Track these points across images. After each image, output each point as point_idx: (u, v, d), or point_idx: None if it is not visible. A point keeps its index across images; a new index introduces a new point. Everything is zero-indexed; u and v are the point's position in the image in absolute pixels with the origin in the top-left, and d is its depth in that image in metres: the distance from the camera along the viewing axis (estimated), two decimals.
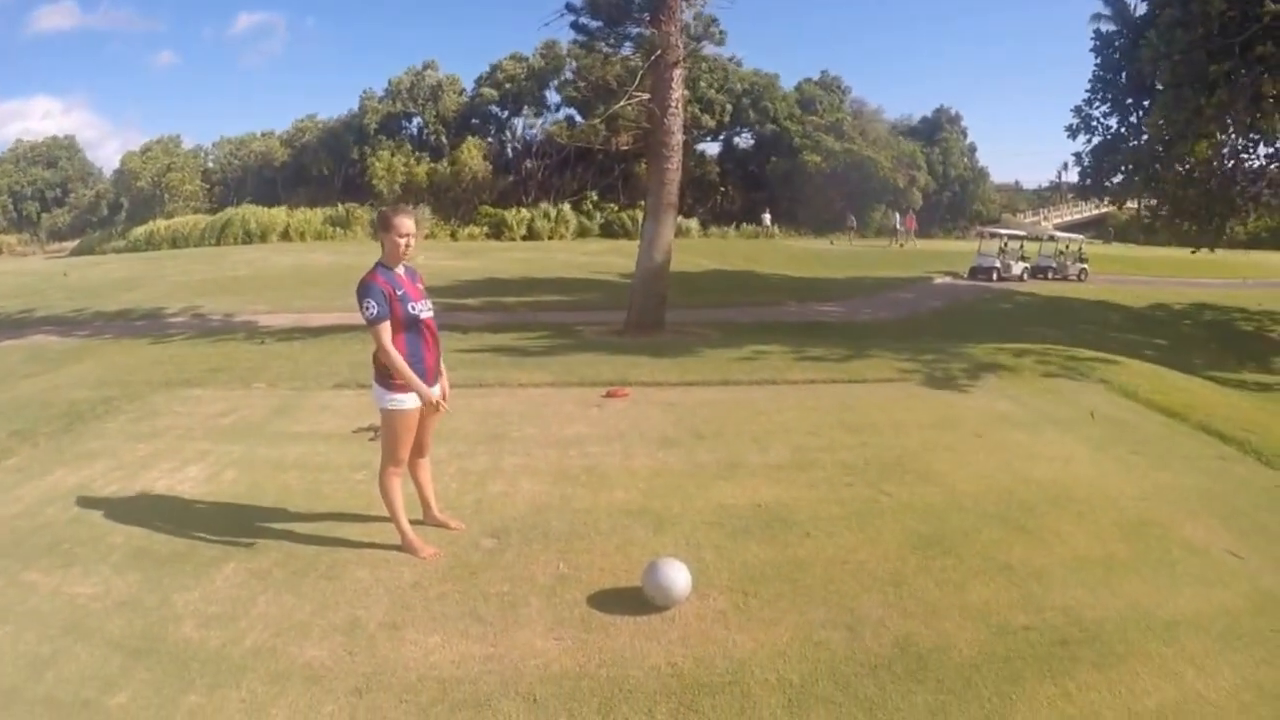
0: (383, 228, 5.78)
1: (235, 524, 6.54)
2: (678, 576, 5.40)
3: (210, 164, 72.29)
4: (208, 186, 69.29)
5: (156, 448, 8.52)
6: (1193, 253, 25.88)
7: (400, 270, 5.82)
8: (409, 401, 5.76)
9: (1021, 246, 40.43)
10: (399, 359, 5.61)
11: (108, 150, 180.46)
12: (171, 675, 4.59)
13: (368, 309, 5.55)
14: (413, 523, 6.27)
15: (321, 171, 66.18)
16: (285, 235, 51.66)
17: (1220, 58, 19.54)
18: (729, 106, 63.61)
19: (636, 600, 5.48)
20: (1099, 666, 4.89)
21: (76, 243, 64.69)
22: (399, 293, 5.67)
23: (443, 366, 6.20)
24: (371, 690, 4.56)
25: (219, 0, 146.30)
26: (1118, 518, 7.01)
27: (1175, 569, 6.14)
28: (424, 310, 5.82)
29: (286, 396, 10.87)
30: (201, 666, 4.69)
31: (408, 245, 5.74)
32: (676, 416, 9.85)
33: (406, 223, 5.78)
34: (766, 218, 59.04)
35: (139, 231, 55.01)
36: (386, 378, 5.72)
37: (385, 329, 5.60)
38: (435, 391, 5.93)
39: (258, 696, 4.45)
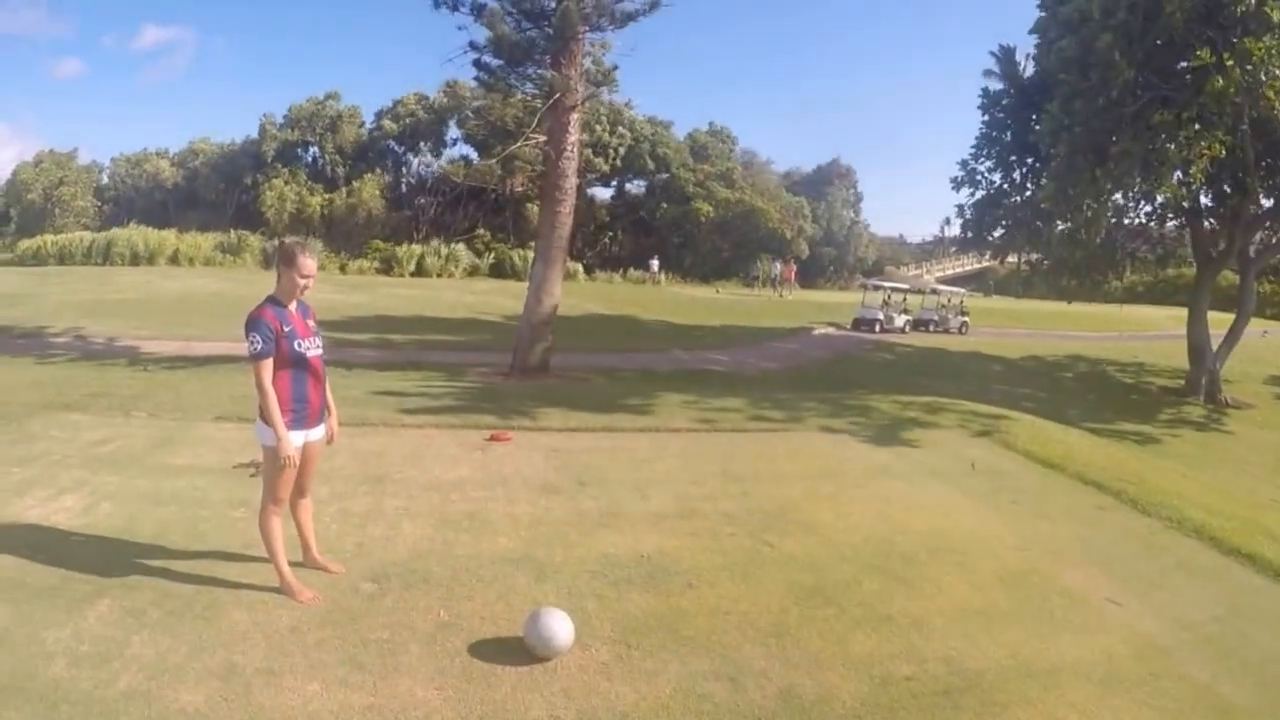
0: (285, 262, 5.57)
1: (110, 559, 6.17)
2: (560, 627, 5.24)
3: (105, 179, 70.00)
4: (100, 204, 66.80)
5: (31, 474, 8.08)
6: (1068, 303, 26.81)
7: (292, 307, 5.62)
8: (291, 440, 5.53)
9: (904, 299, 41.45)
10: (272, 401, 5.39)
11: (3, 156, 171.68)
12: (41, 716, 4.30)
13: (252, 343, 5.35)
14: (292, 564, 5.99)
15: (214, 196, 64.64)
16: (174, 259, 50.08)
17: (1119, 129, 20.37)
18: (622, 151, 64.09)
19: (518, 650, 5.30)
20: (981, 715, 4.89)
21: None
22: (286, 329, 5.48)
23: (332, 403, 6.03)
24: None
25: (129, 10, 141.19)
26: (998, 567, 7.09)
27: (1055, 617, 6.23)
28: (311, 349, 5.64)
29: (168, 427, 10.36)
30: (72, 709, 4.37)
31: (306, 287, 5.59)
32: (560, 462, 9.70)
33: (310, 264, 5.60)
34: (654, 264, 59.31)
35: (26, 245, 52.73)
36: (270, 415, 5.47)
37: (266, 366, 5.39)
38: (319, 432, 5.82)
39: None
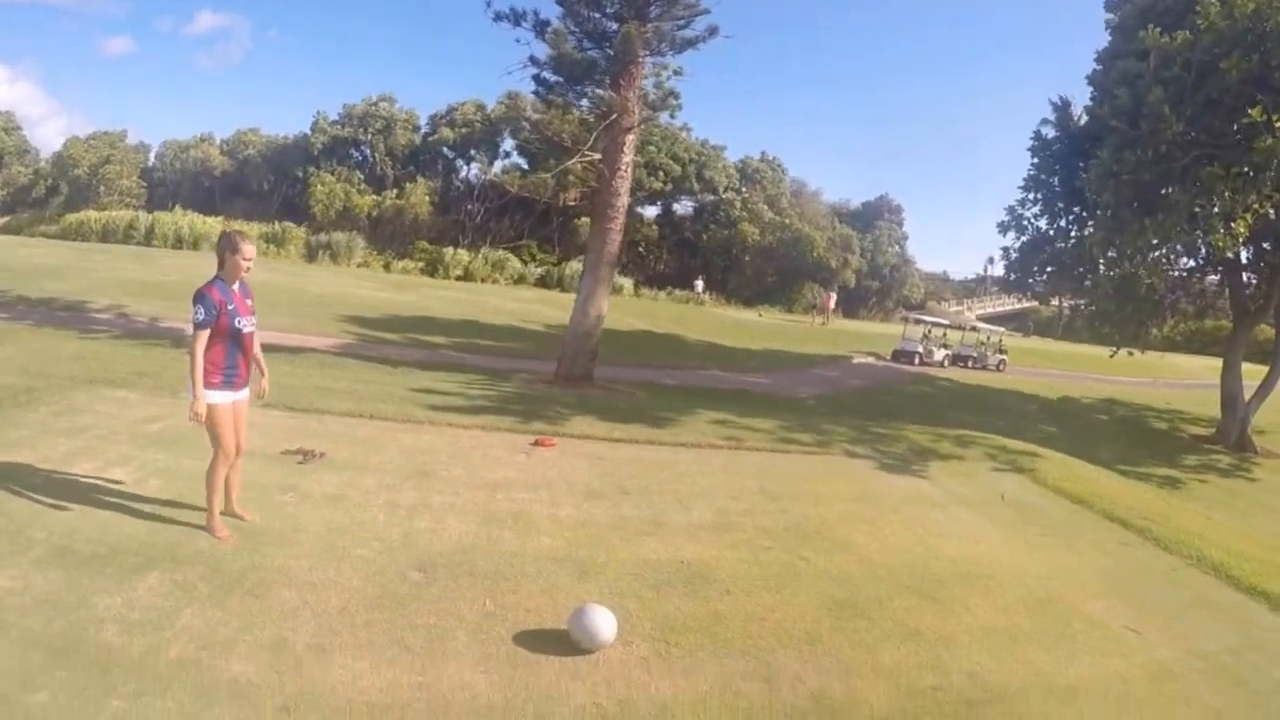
0: (229, 249, 6.44)
1: (159, 533, 6.49)
2: (604, 622, 5.54)
3: (152, 161, 71.01)
4: (145, 185, 67.99)
5: (79, 445, 8.37)
6: (1111, 355, 26.76)
7: (235, 286, 6.49)
8: (217, 396, 6.40)
9: (945, 334, 41.43)
10: (199, 367, 6.24)
11: (47, 130, 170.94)
12: (93, 678, 4.52)
13: (196, 314, 6.20)
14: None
15: (262, 186, 65.65)
16: None
17: (1166, 181, 20.50)
18: (674, 172, 64.36)
19: (562, 642, 5.59)
20: None
21: (5, 220, 62.98)
22: (229, 306, 6.36)
23: (264, 366, 7.10)
24: (300, 710, 4.57)
25: None
26: (1023, 593, 7.34)
27: (1076, 641, 6.48)
28: (247, 325, 6.53)
29: None
30: (124, 673, 4.63)
31: (248, 268, 6.50)
32: (602, 470, 9.97)
33: (250, 249, 6.53)
34: (699, 285, 59.48)
35: (72, 219, 53.51)
36: (205, 377, 6.30)
37: (202, 337, 6.23)
38: (245, 394, 6.74)
39: (184, 707, 4.43)
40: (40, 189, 71.00)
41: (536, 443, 10.95)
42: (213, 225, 52.14)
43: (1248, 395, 24.42)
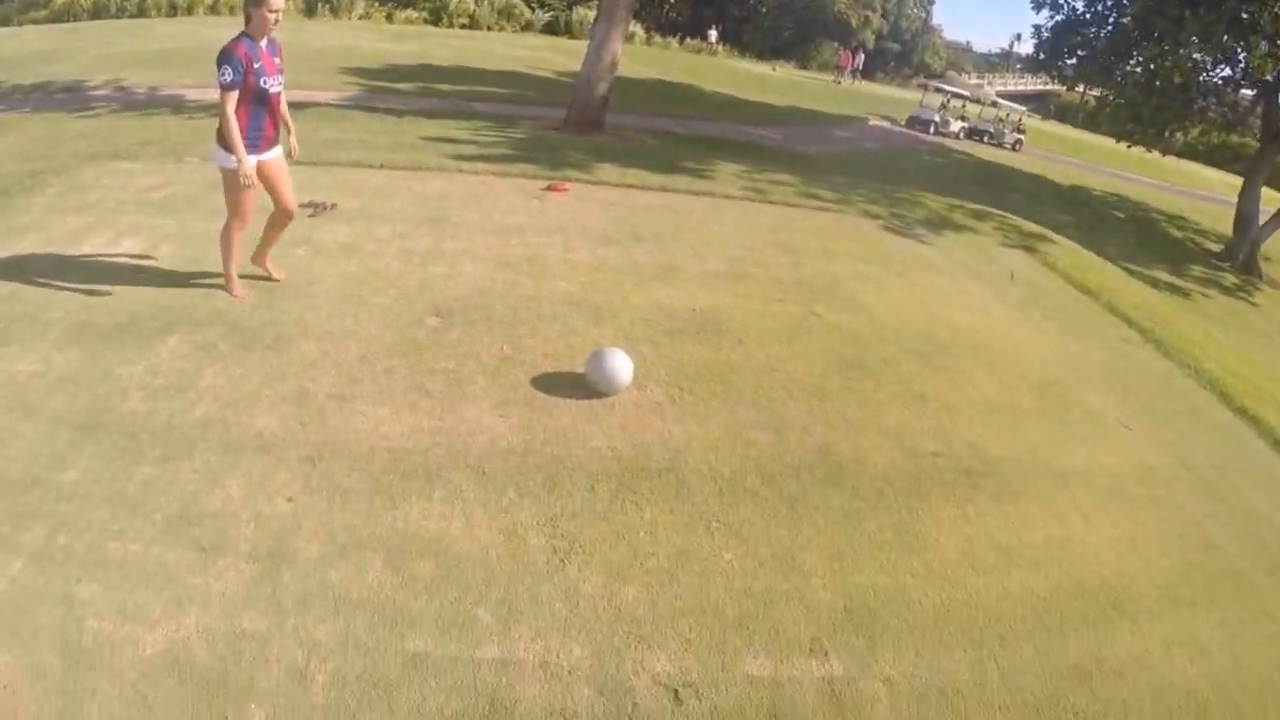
0: (253, 3, 5.85)
1: (176, 297, 6.38)
2: (622, 366, 5.64)
3: None
4: None
5: (88, 221, 7.94)
6: (1128, 147, 26.14)
7: (263, 44, 5.95)
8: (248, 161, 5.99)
9: (963, 106, 40.31)
10: (234, 127, 5.79)
11: None
12: (121, 449, 4.57)
13: (223, 75, 5.72)
14: (243, 277, 6.58)
15: None
16: (213, 8, 47.69)
17: None
18: None
19: (579, 385, 5.72)
20: (996, 498, 5.37)
21: None
22: (255, 65, 5.84)
23: (291, 124, 6.56)
24: (324, 459, 4.69)
25: None
26: (1026, 373, 7.44)
27: (1073, 428, 6.62)
28: (274, 85, 6.06)
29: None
30: (151, 439, 4.68)
31: (276, 20, 5.92)
32: (616, 216, 9.88)
33: (277, 0, 5.92)
34: (713, 34, 57.07)
35: (60, 0, 50.81)
36: (226, 139, 5.90)
37: (231, 98, 5.78)
38: (274, 153, 6.33)
39: (211, 466, 4.51)
40: None
41: (549, 188, 10.80)
42: None
43: (1263, 221, 24.05)
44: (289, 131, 6.57)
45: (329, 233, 8.02)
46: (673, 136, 19.83)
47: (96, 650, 3.36)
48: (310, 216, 8.30)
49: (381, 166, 10.89)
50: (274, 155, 6.32)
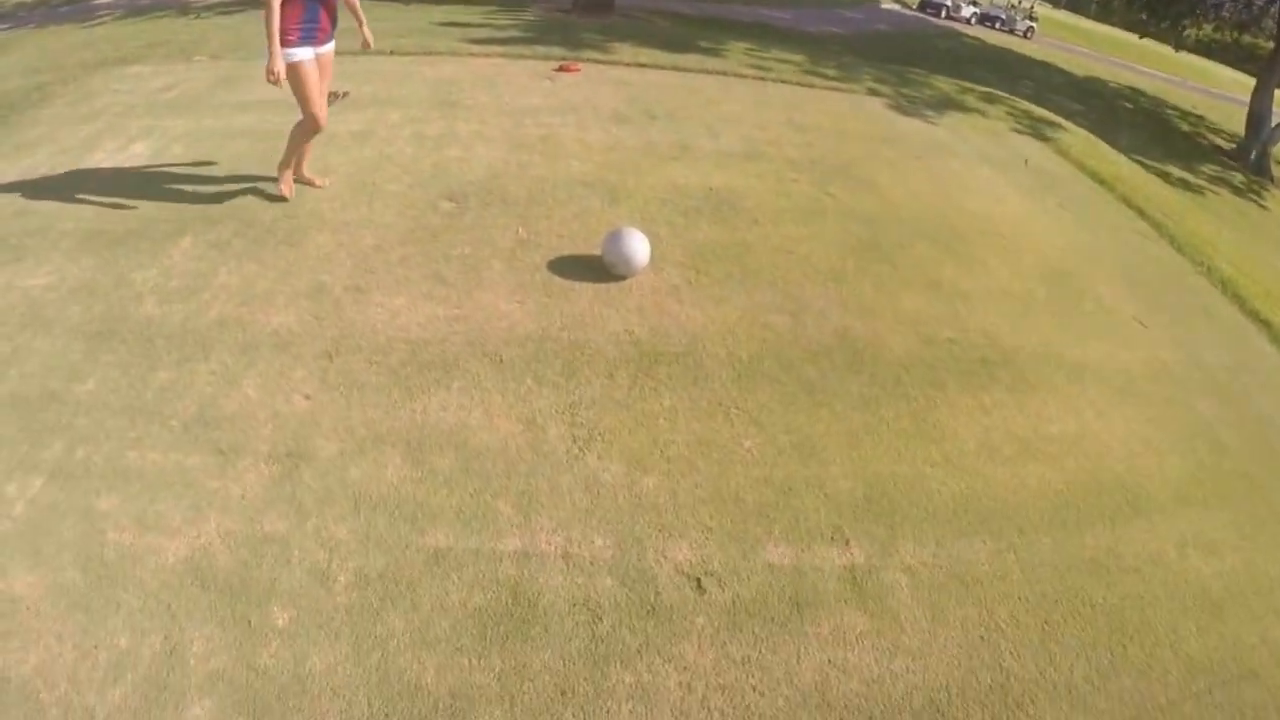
0: None
1: (188, 197, 6.20)
2: (640, 247, 5.53)
3: None
4: None
5: (98, 128, 7.65)
6: (1139, 37, 25.58)
7: None
8: (298, 54, 5.55)
9: None
10: (274, 21, 5.31)
11: None
12: (137, 355, 4.49)
13: None
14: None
15: None
16: None
17: None
18: None
19: (594, 268, 5.63)
20: (1013, 390, 5.32)
21: None
22: None
23: (361, 14, 6.22)
24: (341, 354, 4.62)
25: None
26: (1040, 262, 7.32)
27: (1087, 320, 6.54)
28: None
29: (231, 67, 9.89)
30: (167, 343, 4.59)
31: None
32: (629, 95, 9.66)
33: None
34: None
35: None
36: (281, 35, 5.40)
37: None
38: (328, 48, 5.87)
39: (228, 367, 4.44)
40: None
41: (560, 68, 10.56)
42: None
43: (1275, 123, 23.62)
44: (360, 22, 6.22)
45: (341, 121, 7.71)
46: (682, 17, 19.41)
47: (118, 563, 3.34)
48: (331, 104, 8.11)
49: (391, 53, 10.56)
50: (327, 50, 5.87)
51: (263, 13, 5.33)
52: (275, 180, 6.20)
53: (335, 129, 7.43)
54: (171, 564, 3.35)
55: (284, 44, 5.42)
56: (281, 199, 6.14)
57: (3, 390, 4.17)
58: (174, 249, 5.48)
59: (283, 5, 5.35)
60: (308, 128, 5.92)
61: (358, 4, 6.10)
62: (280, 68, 5.38)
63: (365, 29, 6.27)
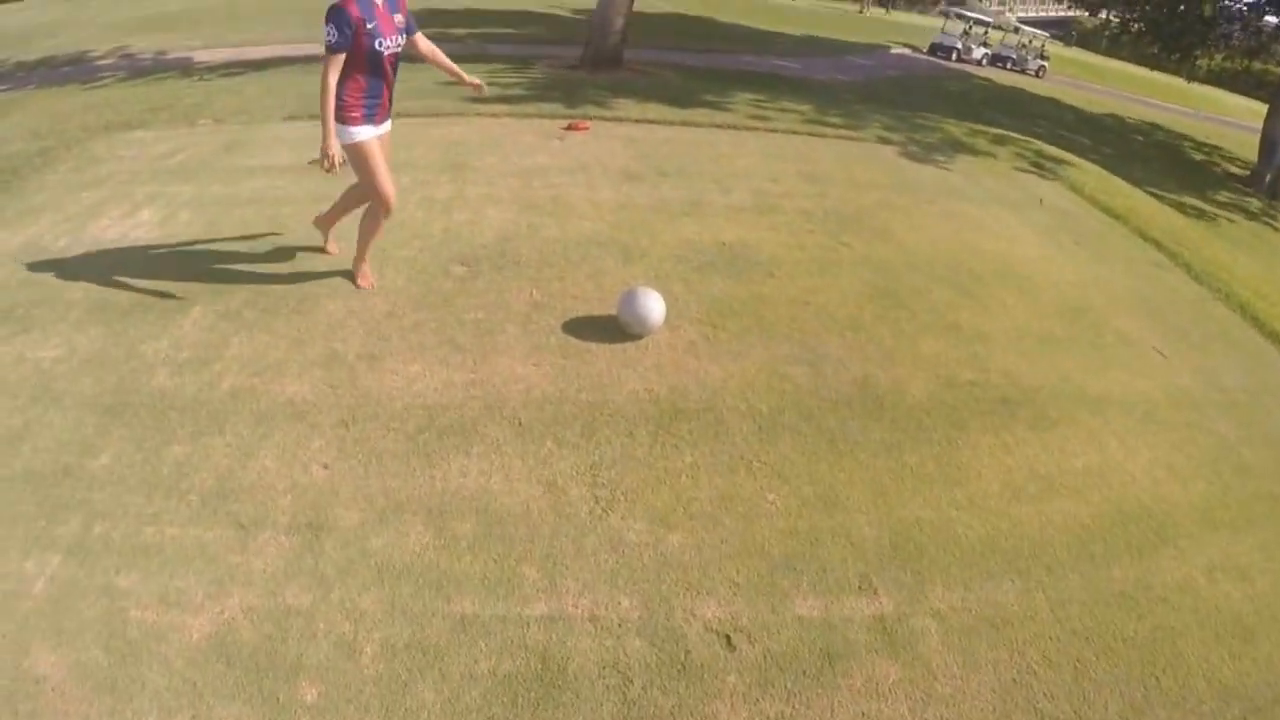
0: None
1: (196, 266, 6.15)
2: (655, 305, 5.55)
3: None
4: None
5: (103, 195, 7.64)
6: (1150, 70, 25.72)
7: (380, 0, 5.12)
8: (362, 133, 5.30)
9: (985, 32, 39.82)
10: (329, 98, 5.03)
11: None
12: (151, 429, 4.47)
13: (328, 35, 4.93)
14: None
15: None
16: None
17: None
18: None
19: (610, 328, 5.66)
20: (1035, 427, 5.32)
21: None
22: (369, 25, 5.01)
23: (461, 71, 6.01)
24: (358, 422, 4.63)
25: None
26: (1057, 299, 7.33)
27: (1106, 353, 6.54)
28: (390, 46, 5.22)
29: (235, 132, 9.94)
30: (180, 415, 4.58)
31: None
32: (638, 152, 9.73)
33: None
34: None
35: None
36: (341, 112, 5.16)
37: (336, 62, 4.99)
38: (388, 126, 5.60)
39: (244, 439, 4.44)
40: None
41: (569, 127, 10.63)
42: None
43: None
44: (457, 78, 6.01)
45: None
46: (691, 70, 19.52)
47: (142, 641, 3.33)
48: (328, 171, 8.09)
49: (397, 115, 10.50)
50: (387, 129, 5.59)
51: (318, 82, 5.05)
52: (351, 276, 6.11)
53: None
54: (195, 641, 3.35)
55: (346, 121, 5.20)
56: (358, 288, 6.02)
57: (17, 465, 4.17)
58: (184, 319, 5.48)
59: (341, 79, 5.09)
60: (378, 213, 5.68)
61: (449, 62, 5.89)
62: (336, 149, 5.14)
63: (467, 77, 6.01)
